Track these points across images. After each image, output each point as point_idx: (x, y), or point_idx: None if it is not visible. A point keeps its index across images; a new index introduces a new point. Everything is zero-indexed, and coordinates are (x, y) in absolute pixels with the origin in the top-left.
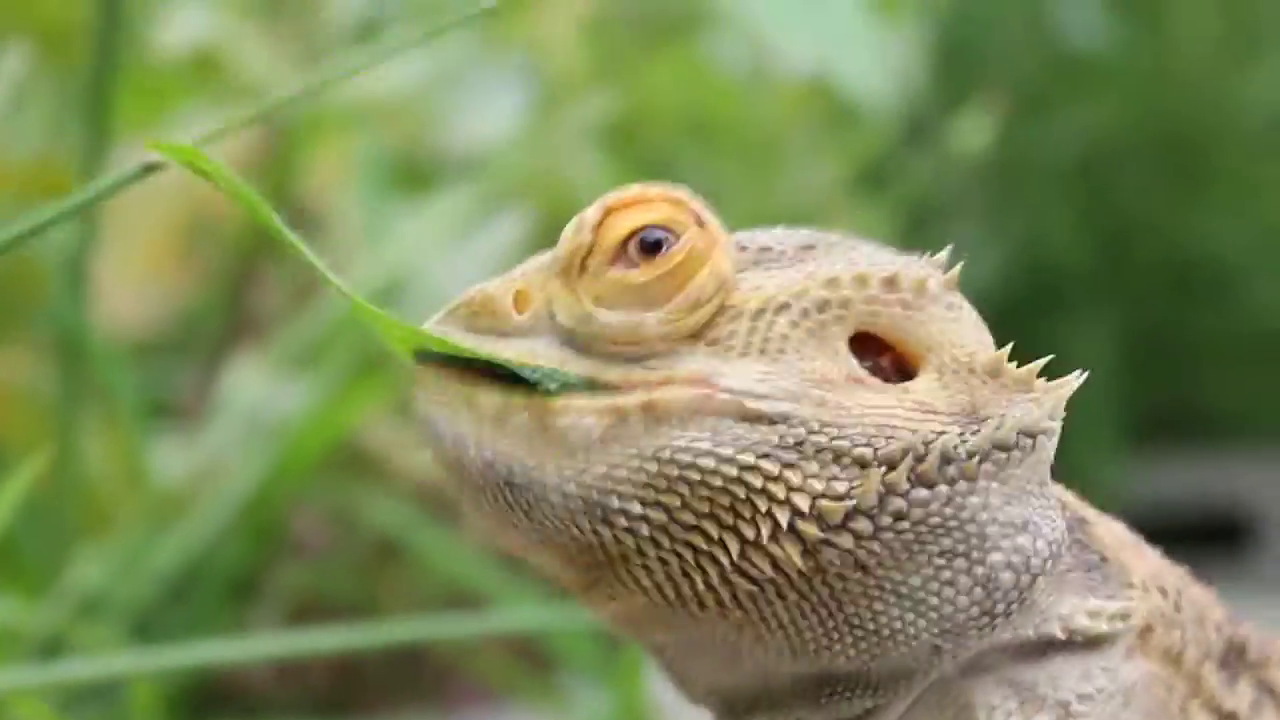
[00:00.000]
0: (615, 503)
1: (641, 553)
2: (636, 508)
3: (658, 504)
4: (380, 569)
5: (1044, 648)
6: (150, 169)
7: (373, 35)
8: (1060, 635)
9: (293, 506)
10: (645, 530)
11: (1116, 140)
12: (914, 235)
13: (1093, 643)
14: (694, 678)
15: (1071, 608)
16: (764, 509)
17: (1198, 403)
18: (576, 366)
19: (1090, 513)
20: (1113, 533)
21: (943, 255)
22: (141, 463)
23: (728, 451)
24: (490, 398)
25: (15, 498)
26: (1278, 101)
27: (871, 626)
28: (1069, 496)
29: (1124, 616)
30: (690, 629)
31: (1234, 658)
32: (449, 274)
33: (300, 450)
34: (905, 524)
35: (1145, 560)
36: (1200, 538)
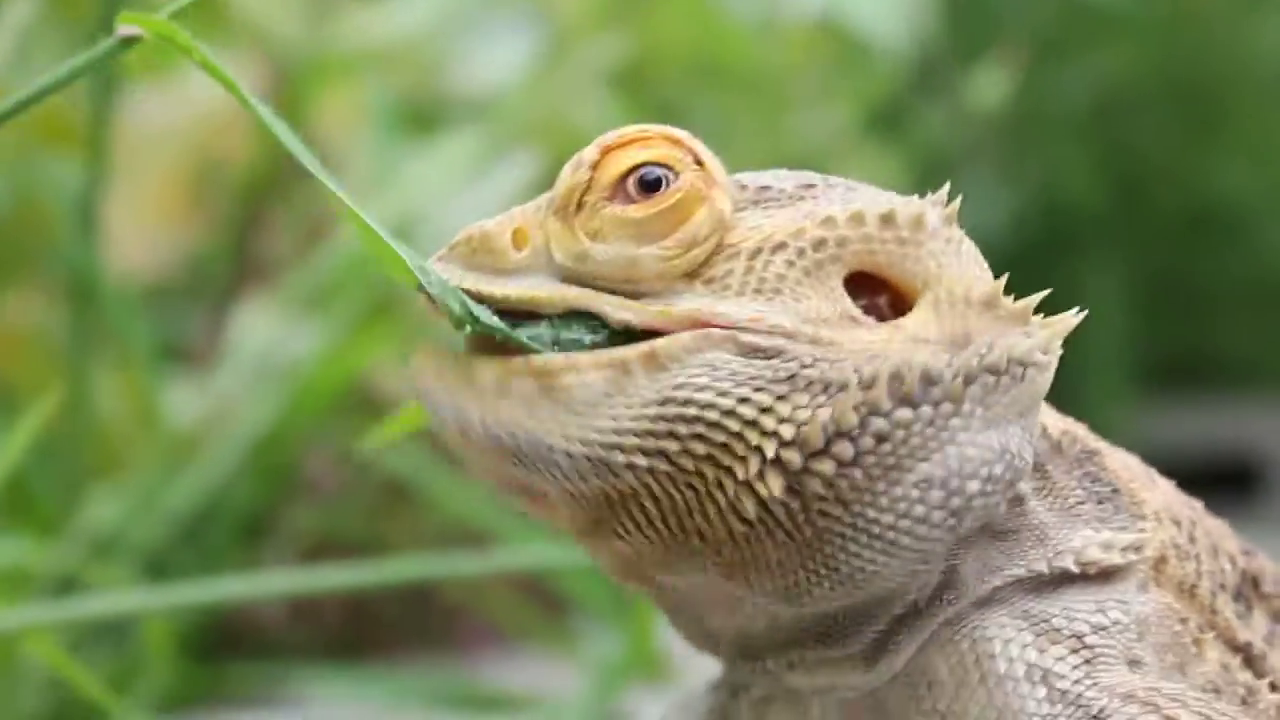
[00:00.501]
0: (620, 457)
1: (647, 499)
2: (640, 459)
3: (659, 451)
4: (391, 511)
5: (1058, 581)
6: (128, 42)
7: None
8: (1074, 568)
9: (303, 448)
10: (650, 481)
11: (1131, 87)
12: (927, 180)
13: (1106, 575)
14: (700, 623)
15: (1084, 540)
16: (753, 442)
17: (1210, 348)
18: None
19: (1101, 445)
20: (1125, 464)
21: (942, 191)
22: (153, 405)
23: (725, 385)
24: (489, 369)
25: (26, 438)
26: None
27: (845, 568)
28: (1080, 430)
29: (1137, 548)
30: (691, 573)
31: (1248, 589)
32: (457, 217)
33: (310, 392)
34: (887, 445)
35: (1158, 491)
36: (1211, 482)
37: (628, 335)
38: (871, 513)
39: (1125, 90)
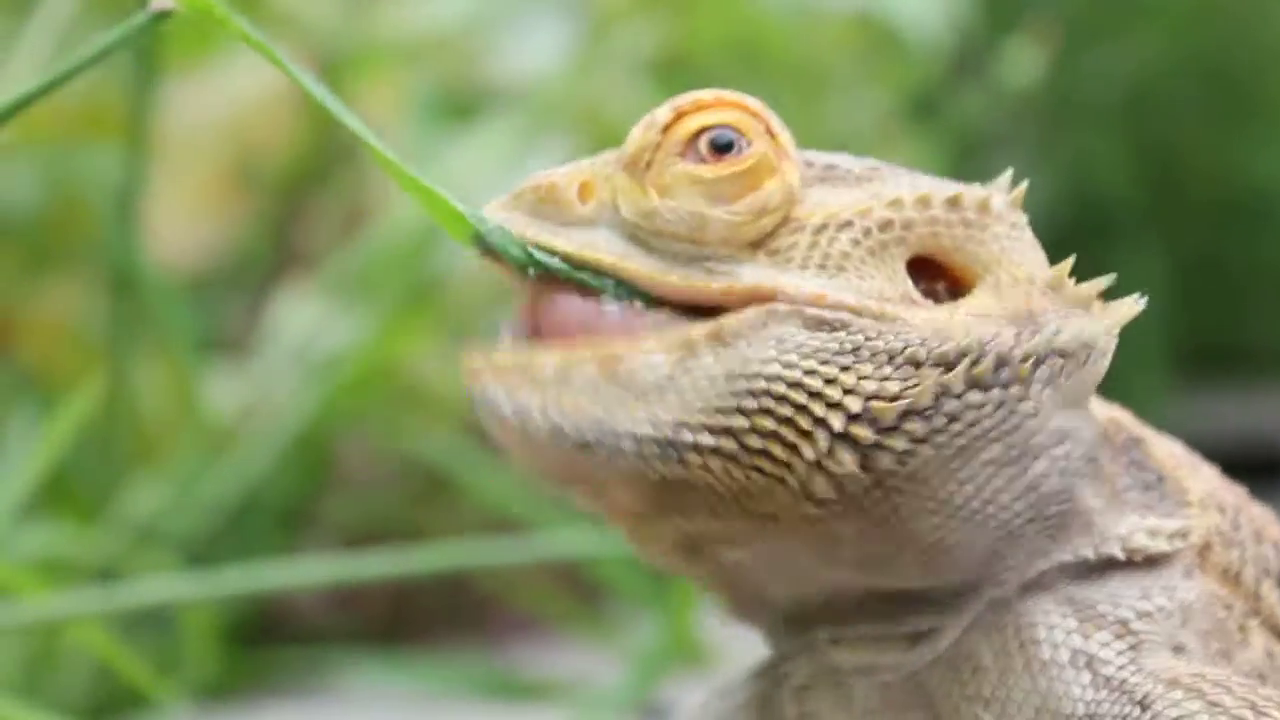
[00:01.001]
0: (688, 437)
1: (715, 481)
2: (707, 439)
3: (726, 430)
4: (429, 500)
5: (1103, 567)
6: (161, 16)
7: None
8: (1120, 555)
9: (343, 437)
10: (717, 463)
11: (1165, 72)
12: (963, 165)
13: (1151, 561)
14: (757, 594)
15: (1130, 527)
16: (820, 414)
17: (1244, 335)
18: (638, 263)
19: (1147, 432)
20: (1169, 451)
21: (1005, 178)
22: (193, 395)
23: (792, 357)
24: (548, 358)
25: (67, 429)
26: None
27: (931, 539)
28: (1125, 416)
29: (1183, 535)
30: (759, 545)
31: None
32: None
33: (350, 381)
34: (958, 425)
35: (1202, 478)
36: (1245, 469)
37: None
38: (952, 486)
39: (1159, 75)
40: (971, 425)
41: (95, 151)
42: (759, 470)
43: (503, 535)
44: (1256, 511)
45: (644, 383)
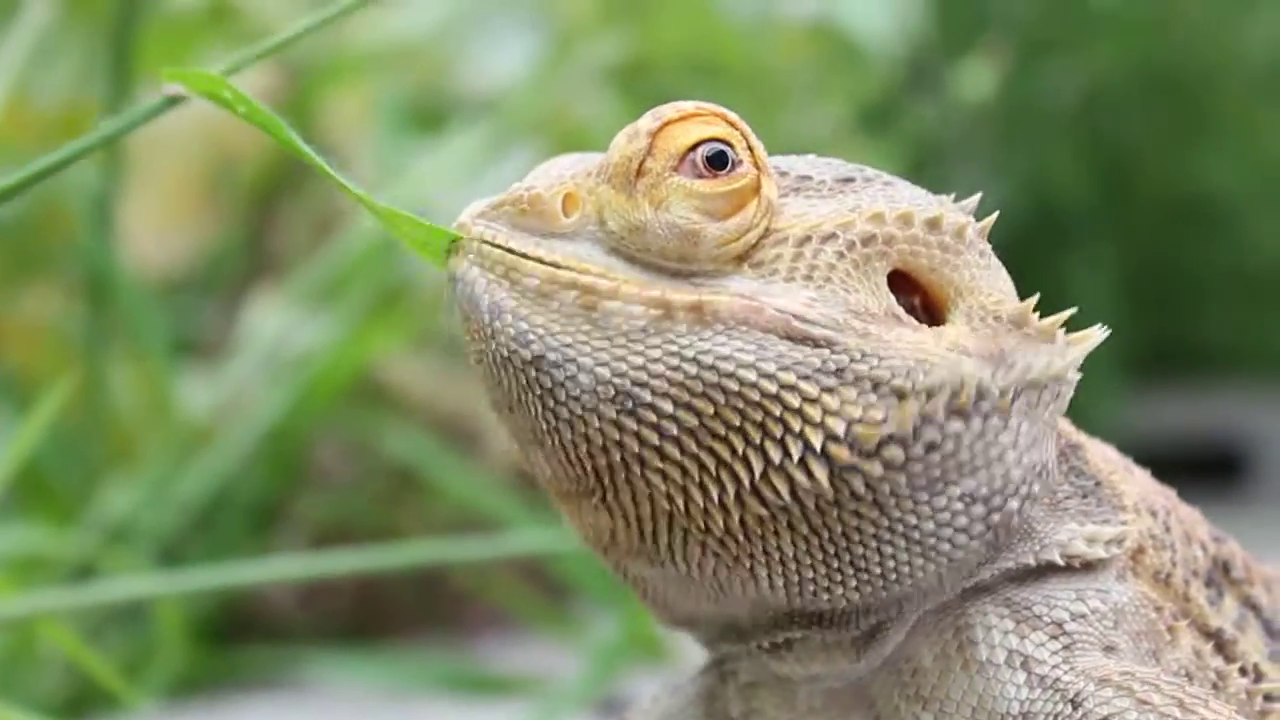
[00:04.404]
0: (647, 395)
1: (660, 454)
2: (667, 405)
3: (689, 406)
4: (399, 498)
5: (1041, 571)
6: (173, 101)
7: None
8: (1060, 562)
9: (314, 437)
10: (672, 429)
11: (1117, 82)
12: (917, 175)
13: (1088, 566)
14: (674, 606)
15: (1069, 534)
16: (796, 429)
17: (1196, 337)
18: (623, 276)
19: (1082, 438)
20: (1104, 456)
21: (972, 201)
22: (167, 396)
23: (770, 367)
24: (536, 271)
25: (40, 425)
26: (1276, 45)
27: (878, 570)
28: (1063, 423)
29: (1119, 541)
30: (675, 564)
31: (1219, 575)
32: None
33: (321, 383)
34: (936, 456)
35: (1135, 482)
36: (1197, 470)
37: None
38: (912, 519)
39: (1111, 85)
40: (950, 455)
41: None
42: (712, 453)
43: (471, 532)
44: (1185, 513)
45: (617, 327)
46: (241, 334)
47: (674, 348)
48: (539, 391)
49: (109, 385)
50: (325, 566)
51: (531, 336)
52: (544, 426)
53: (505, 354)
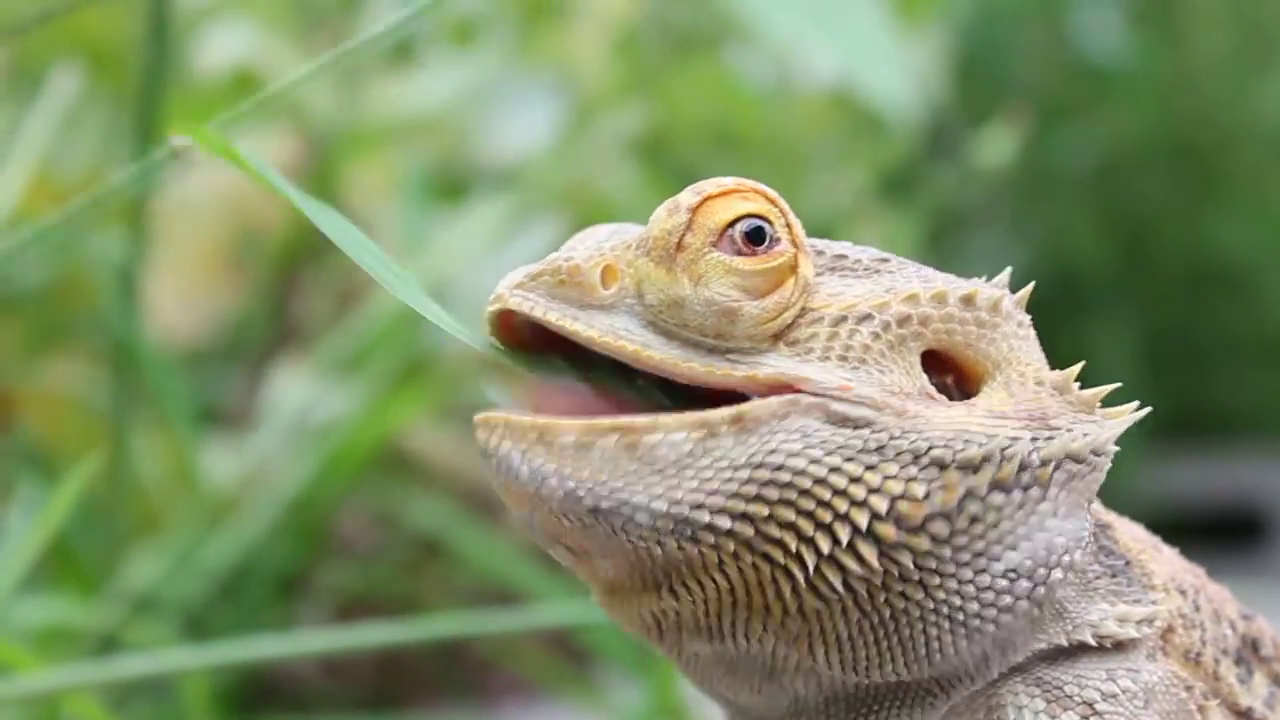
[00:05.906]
0: (705, 517)
1: (721, 567)
2: (725, 521)
3: (744, 515)
4: (423, 568)
5: (1073, 651)
6: (179, 151)
7: (409, 53)
8: (1092, 642)
9: (338, 507)
10: (730, 546)
11: (1135, 148)
12: (938, 242)
13: (1119, 645)
14: (721, 688)
15: (1101, 614)
16: (843, 511)
17: (1215, 402)
18: (661, 352)
19: (1111, 516)
20: (1133, 535)
21: (1004, 275)
22: (192, 466)
23: (817, 453)
24: (569, 428)
25: (69, 499)
26: None
27: (923, 651)
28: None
29: (1149, 621)
30: (735, 642)
31: (1248, 653)
32: (486, 282)
33: (345, 452)
34: (979, 527)
35: (1164, 561)
36: (1217, 534)
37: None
38: (957, 600)
39: (1128, 151)
40: (993, 526)
41: (98, 230)
42: (768, 558)
43: (495, 601)
44: (1214, 591)
45: (663, 459)
46: (265, 403)
47: (724, 462)
48: (601, 539)
49: (133, 455)
50: (349, 640)
51: (581, 493)
52: (611, 557)
53: (559, 514)
